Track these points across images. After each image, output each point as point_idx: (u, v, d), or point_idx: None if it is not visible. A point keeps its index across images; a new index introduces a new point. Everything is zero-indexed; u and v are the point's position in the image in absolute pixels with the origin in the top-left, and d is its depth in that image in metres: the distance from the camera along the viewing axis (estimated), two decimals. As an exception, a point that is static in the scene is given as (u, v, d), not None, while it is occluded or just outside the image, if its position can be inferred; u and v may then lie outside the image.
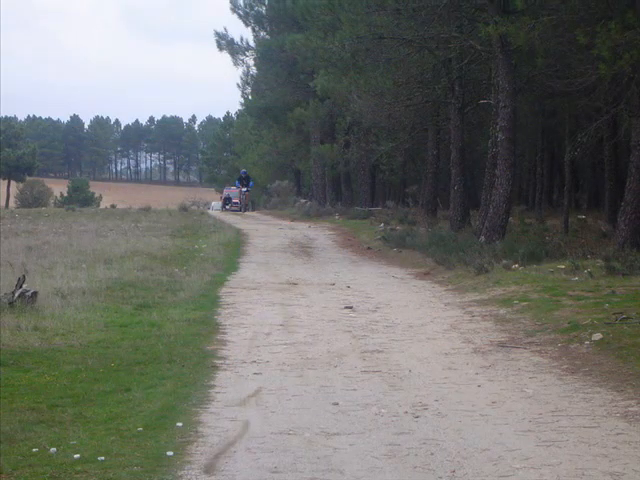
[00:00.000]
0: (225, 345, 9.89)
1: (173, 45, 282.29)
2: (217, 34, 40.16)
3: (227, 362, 8.96)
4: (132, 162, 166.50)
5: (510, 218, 21.77)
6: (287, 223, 32.43)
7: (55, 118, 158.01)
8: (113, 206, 51.62)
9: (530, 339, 10.23)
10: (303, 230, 28.88)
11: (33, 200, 73.78)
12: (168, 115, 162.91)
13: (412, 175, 43.79)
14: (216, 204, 52.89)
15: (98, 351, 9.25)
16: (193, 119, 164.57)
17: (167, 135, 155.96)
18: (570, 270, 14.55)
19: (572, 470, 5.64)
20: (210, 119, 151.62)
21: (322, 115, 37.98)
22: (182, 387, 7.80)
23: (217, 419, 6.80)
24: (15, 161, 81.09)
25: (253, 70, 44.68)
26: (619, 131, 21.72)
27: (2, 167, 79.36)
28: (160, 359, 8.89)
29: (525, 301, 12.50)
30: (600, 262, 14.78)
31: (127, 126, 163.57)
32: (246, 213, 38.59)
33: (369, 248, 22.98)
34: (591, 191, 36.60)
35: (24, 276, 11.96)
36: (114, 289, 13.74)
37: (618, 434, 6.43)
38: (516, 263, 15.97)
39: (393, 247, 22.16)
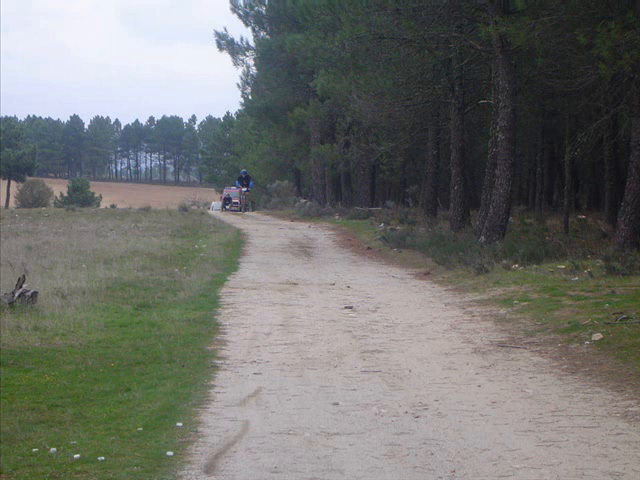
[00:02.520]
0: (225, 345, 9.89)
1: (173, 45, 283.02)
2: (217, 34, 40.24)
3: (227, 362, 8.96)
4: (132, 162, 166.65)
5: (510, 218, 21.78)
6: (287, 223, 32.41)
7: (55, 118, 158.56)
8: (113, 206, 51.66)
9: (530, 339, 10.23)
10: (303, 230, 28.87)
11: (33, 200, 73.72)
12: (168, 115, 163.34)
13: (412, 175, 43.82)
14: (216, 204, 52.85)
15: (98, 351, 9.25)
16: (193, 119, 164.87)
17: (167, 135, 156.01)
18: (570, 270, 14.54)
19: (572, 470, 5.64)
20: (210, 119, 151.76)
21: (322, 115, 37.98)
22: (182, 387, 7.80)
23: (217, 419, 6.80)
24: (15, 161, 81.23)
25: (253, 70, 44.81)
26: (619, 131, 21.74)
27: (2, 167, 79.49)
28: (160, 359, 8.89)
29: (525, 301, 12.50)
30: (600, 262, 14.78)
31: (127, 126, 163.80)
32: (246, 213, 38.55)
33: (369, 248, 22.98)
34: (591, 191, 36.62)
35: (24, 276, 11.96)
36: (114, 289, 13.73)
37: (618, 434, 6.43)
38: (516, 263, 15.97)
39: (393, 247, 22.16)
